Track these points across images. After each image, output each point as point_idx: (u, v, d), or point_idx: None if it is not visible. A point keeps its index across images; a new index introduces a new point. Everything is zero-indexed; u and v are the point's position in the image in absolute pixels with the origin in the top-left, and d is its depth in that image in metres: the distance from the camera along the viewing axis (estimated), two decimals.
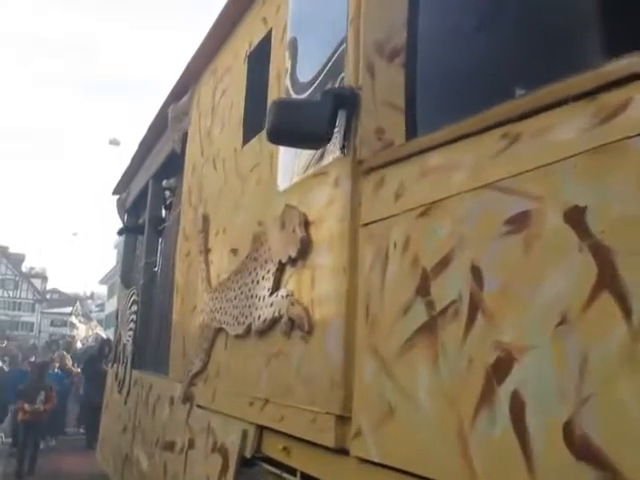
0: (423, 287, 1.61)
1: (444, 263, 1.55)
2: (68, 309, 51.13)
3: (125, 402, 5.56)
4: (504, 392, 1.32)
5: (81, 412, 12.73)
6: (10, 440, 9.94)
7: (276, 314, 2.36)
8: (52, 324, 50.68)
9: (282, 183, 2.52)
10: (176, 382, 3.80)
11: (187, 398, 3.48)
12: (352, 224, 1.96)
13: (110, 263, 49.98)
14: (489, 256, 1.42)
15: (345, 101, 2.01)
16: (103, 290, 52.60)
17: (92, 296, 59.95)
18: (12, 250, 57.18)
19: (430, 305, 1.57)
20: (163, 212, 5.57)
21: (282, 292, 2.34)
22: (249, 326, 2.64)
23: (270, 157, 2.70)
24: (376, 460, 1.73)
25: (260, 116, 2.94)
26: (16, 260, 56.99)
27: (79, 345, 21.13)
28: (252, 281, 2.65)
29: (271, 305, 2.41)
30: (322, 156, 2.21)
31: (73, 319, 48.83)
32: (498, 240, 1.39)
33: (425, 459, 1.54)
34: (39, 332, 48.07)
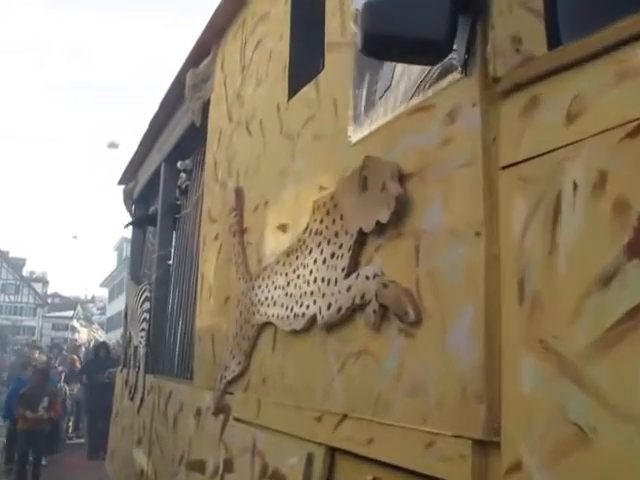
0: None
1: None
2: (69, 313, 50.40)
3: (138, 411, 4.98)
4: None
5: (79, 419, 12.10)
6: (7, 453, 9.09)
7: (357, 300, 1.78)
8: (54, 328, 49.93)
9: (355, 132, 1.95)
10: (203, 389, 3.22)
11: (220, 409, 2.90)
12: (485, 168, 1.39)
13: (111, 266, 49.45)
14: None
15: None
16: (104, 293, 52.00)
17: (93, 299, 59.23)
18: (12, 254, 56.51)
19: None
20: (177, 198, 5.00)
21: (367, 271, 1.76)
22: (312, 319, 2.07)
23: (333, 103, 2.13)
24: None
25: (314, 59, 2.39)
26: (17, 264, 56.26)
27: (82, 349, 20.52)
28: (315, 261, 2.07)
29: (348, 289, 1.83)
30: (421, 84, 1.64)
31: (74, 323, 48.14)
32: None
33: None
34: (41, 336, 47.27)
